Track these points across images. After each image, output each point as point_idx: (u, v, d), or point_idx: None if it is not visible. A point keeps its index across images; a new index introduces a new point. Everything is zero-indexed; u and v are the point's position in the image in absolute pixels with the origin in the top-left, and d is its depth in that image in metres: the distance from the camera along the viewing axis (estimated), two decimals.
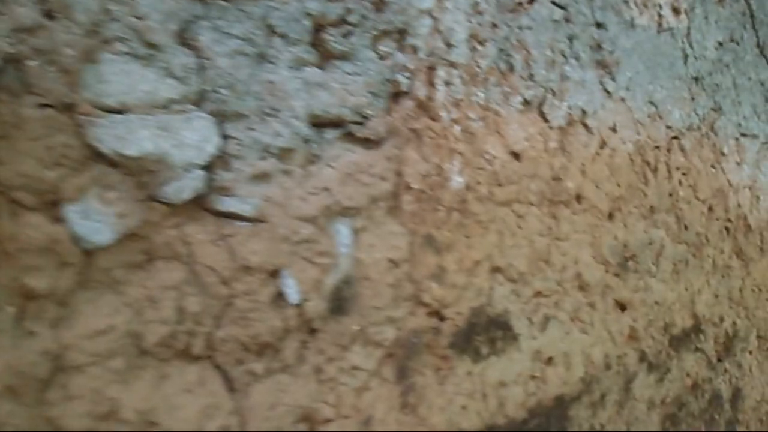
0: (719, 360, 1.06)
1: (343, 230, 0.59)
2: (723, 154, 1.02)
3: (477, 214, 0.65)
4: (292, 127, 0.54)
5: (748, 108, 1.10)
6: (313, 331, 0.55)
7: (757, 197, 1.11)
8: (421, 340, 0.59)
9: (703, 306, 0.97)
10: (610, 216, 0.80)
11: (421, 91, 0.60)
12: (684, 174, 0.94)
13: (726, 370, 1.07)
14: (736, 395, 1.10)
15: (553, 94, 0.73)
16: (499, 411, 0.66)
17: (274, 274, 0.53)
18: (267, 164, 0.52)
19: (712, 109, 1.02)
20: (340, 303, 0.59)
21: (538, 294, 0.71)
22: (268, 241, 0.53)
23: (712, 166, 1.00)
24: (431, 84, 0.62)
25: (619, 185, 0.81)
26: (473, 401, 0.64)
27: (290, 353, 0.53)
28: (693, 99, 0.97)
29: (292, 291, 0.56)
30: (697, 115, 0.98)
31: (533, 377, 0.71)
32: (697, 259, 0.96)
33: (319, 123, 0.55)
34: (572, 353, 0.74)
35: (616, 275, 0.80)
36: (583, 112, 0.75)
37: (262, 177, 0.54)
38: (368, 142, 0.59)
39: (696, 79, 0.98)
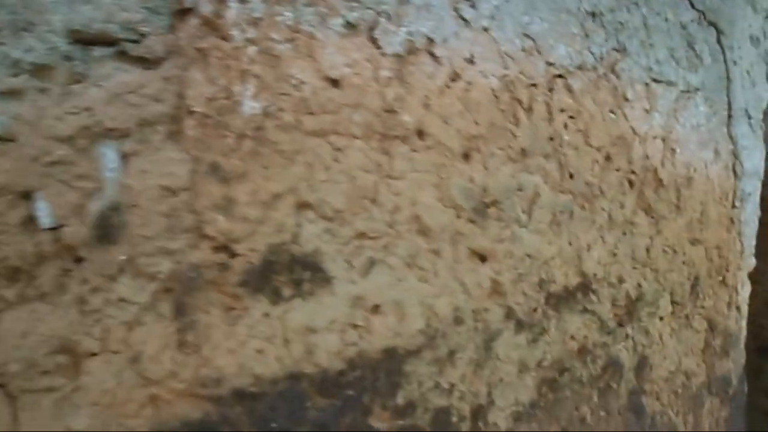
0: (620, 324, 1.08)
1: (109, 153, 0.60)
2: (626, 99, 1.03)
3: (278, 143, 0.66)
4: (48, 42, 0.55)
5: (664, 51, 1.11)
6: (78, 260, 0.56)
7: (673, 150, 1.12)
8: (200, 274, 0.60)
9: (594, 264, 0.99)
10: (466, 156, 0.82)
11: (207, 8, 0.61)
12: (572, 117, 0.96)
13: (628, 336, 1.09)
14: (642, 364, 1.13)
15: (388, 17, 0.74)
16: (307, 358, 0.68)
17: (26, 196, 0.54)
18: (18, 81, 0.53)
19: (614, 50, 1.03)
20: (106, 231, 0.60)
21: (361, 235, 0.72)
22: (16, 161, 0.54)
23: (612, 112, 1.02)
24: (221, 0, 0.62)
25: (477, 123, 0.82)
26: (272, 346, 0.66)
27: (48, 281, 0.54)
28: (587, 36, 0.98)
29: (44, 215, 0.57)
30: (593, 54, 0.99)
31: (355, 326, 0.73)
32: (587, 211, 0.97)
33: (82, 39, 0.56)
34: (407, 303, 0.76)
35: (472, 222, 0.82)
36: (429, 40, 0.76)
37: (12, 94, 0.55)
38: (145, 62, 0.60)
39: (593, 14, 0.99)
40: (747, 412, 2.23)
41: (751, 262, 1.50)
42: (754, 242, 1.51)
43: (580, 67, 0.98)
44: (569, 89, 0.96)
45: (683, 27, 1.19)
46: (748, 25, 1.38)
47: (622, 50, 1.05)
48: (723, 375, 1.40)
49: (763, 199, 2.22)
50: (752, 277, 2.33)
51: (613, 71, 1.04)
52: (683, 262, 1.21)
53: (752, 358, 2.36)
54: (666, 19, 1.15)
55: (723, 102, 1.29)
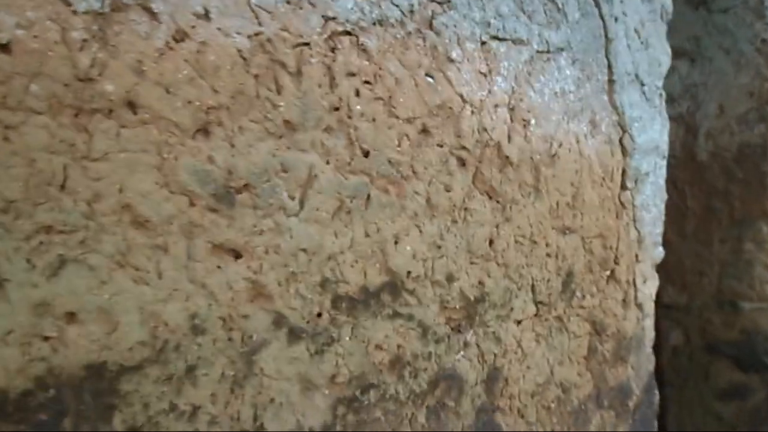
0: (456, 331, 1.09)
1: None
2: (451, 60, 1.04)
3: None
4: None
5: (508, 3, 1.12)
6: None
7: (525, 121, 1.14)
8: None
9: (407, 259, 1.01)
10: (202, 132, 0.82)
11: None
12: (367, 83, 0.96)
13: (468, 344, 1.11)
14: (494, 376, 1.16)
15: None
16: None
17: None
18: None
19: (432, 0, 1.03)
20: None
21: (47, 229, 0.72)
22: None
23: (429, 76, 1.02)
24: None
25: (216, 92, 0.83)
26: None
27: None
28: None
29: None
30: (397, 5, 1.00)
31: (44, 337, 0.73)
32: (393, 196, 0.99)
33: None
34: (118, 310, 0.76)
35: (213, 210, 0.83)
36: None
37: None
38: None
39: None
40: (697, 416, 2.28)
41: (657, 252, 1.53)
42: (659, 230, 1.54)
43: (379, 22, 0.98)
44: (363, 49, 0.97)
45: None
46: None
47: (442, 2, 1.06)
48: (619, 384, 1.43)
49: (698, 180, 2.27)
50: (697, 269, 2.39)
51: (430, 27, 1.05)
52: (547, 255, 1.23)
53: (700, 357, 2.43)
54: None
55: (600, 65, 1.32)
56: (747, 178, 2.47)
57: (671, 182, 2.64)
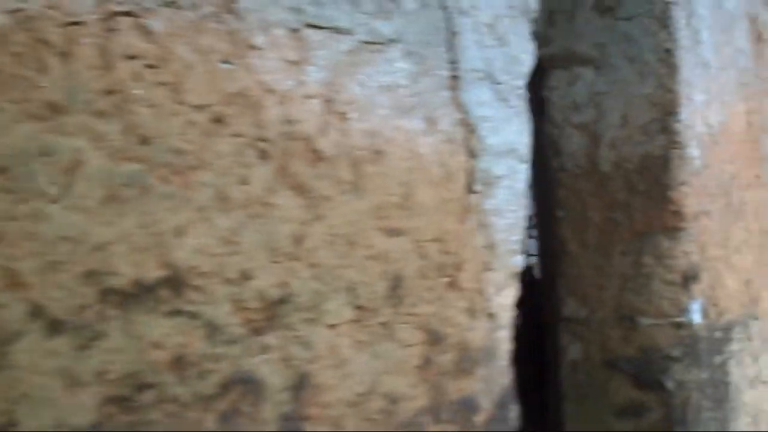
0: (255, 332, 1.19)
1: None
2: (253, 47, 1.14)
3: None
4: None
5: None
6: None
7: (343, 114, 1.24)
8: None
9: (192, 253, 1.10)
10: None
11: None
12: (151, 67, 1.05)
13: (270, 347, 1.20)
14: (302, 383, 1.25)
15: None
16: None
17: None
18: None
19: None
20: None
21: None
22: None
23: (226, 62, 1.12)
24: None
25: None
26: None
27: None
28: None
29: None
30: None
31: None
32: (176, 186, 1.07)
33: None
34: None
35: None
36: None
37: None
38: None
39: None
40: None
41: (515, 261, 1.66)
42: (517, 237, 1.66)
43: (168, 4, 1.07)
44: (146, 31, 1.06)
45: None
46: None
47: None
48: (462, 398, 1.55)
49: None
50: (597, 282, 2.56)
51: (229, 11, 1.15)
52: (369, 257, 1.34)
53: (599, 373, 2.59)
54: None
55: (442, 60, 1.45)
56: (648, 190, 2.65)
57: (574, 192, 2.82)
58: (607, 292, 2.84)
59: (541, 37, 3.03)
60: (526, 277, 3.51)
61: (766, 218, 3.54)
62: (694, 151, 2.77)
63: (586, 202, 2.87)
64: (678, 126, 2.68)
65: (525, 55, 1.76)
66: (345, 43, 1.37)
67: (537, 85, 3.09)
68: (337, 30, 1.36)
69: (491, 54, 1.66)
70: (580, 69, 2.90)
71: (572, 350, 2.88)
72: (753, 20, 3.51)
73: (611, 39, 2.82)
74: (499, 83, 1.67)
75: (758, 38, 3.54)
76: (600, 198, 2.84)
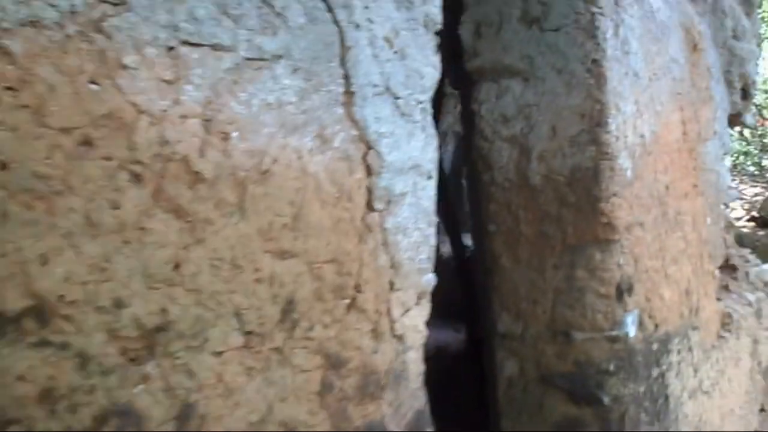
0: (133, 361, 1.19)
1: None
2: (123, 66, 1.16)
3: None
4: None
5: (207, 7, 1.25)
6: None
7: (225, 134, 1.26)
8: None
9: (59, 281, 1.12)
10: None
11: None
12: (11, 89, 1.06)
13: (150, 377, 1.21)
14: (187, 413, 1.26)
15: None
16: None
17: None
18: None
19: (103, 1, 1.14)
20: None
21: None
22: None
23: (94, 83, 1.13)
24: None
25: None
26: None
27: None
28: None
29: None
30: (54, 6, 1.09)
31: None
32: (40, 213, 1.07)
33: None
34: None
35: None
36: None
37: None
38: None
39: None
40: None
41: (425, 281, 1.69)
42: (426, 255, 1.70)
43: (30, 24, 1.08)
44: (5, 53, 1.07)
45: None
46: None
47: (118, 2, 1.17)
48: (368, 423, 1.57)
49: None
50: (531, 297, 2.61)
51: (98, 30, 1.16)
52: (257, 281, 1.36)
53: (534, 388, 2.65)
54: None
55: (334, 75, 1.49)
56: (579, 202, 2.73)
57: (505, 206, 2.88)
58: (541, 306, 2.91)
59: (468, 50, 3.11)
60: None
61: (704, 227, 3.65)
62: (624, 162, 2.85)
63: (517, 216, 2.94)
64: (607, 137, 2.76)
65: (428, 69, 1.81)
66: (226, 61, 1.40)
67: (467, 98, 3.16)
68: (217, 47, 1.39)
69: (389, 68, 1.70)
70: (508, 81, 2.98)
71: (508, 366, 2.94)
72: (688, 30, 3.64)
73: (539, 50, 2.90)
74: (398, 98, 1.72)
75: (693, 48, 3.67)
76: (531, 211, 2.91)
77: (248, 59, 1.45)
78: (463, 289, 4.58)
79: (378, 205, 1.69)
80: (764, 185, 11.15)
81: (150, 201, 1.32)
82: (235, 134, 1.42)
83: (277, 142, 1.49)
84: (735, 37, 4.18)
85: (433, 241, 1.87)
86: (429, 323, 1.88)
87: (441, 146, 4.25)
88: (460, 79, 3.20)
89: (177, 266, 1.36)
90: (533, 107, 2.91)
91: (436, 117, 4.28)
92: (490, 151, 3.00)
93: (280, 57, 1.50)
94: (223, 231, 1.42)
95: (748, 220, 9.51)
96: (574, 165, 2.82)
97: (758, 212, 9.59)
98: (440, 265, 1.96)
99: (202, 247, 1.39)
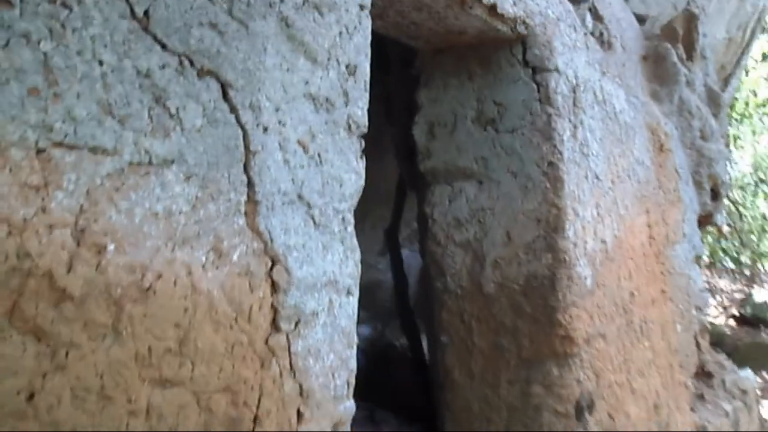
0: None
1: None
2: None
3: None
4: None
5: (89, 106, 1.18)
6: None
7: (98, 247, 1.16)
8: None
9: None
10: None
11: None
12: None
13: None
14: None
15: None
16: None
17: None
18: None
19: None
20: None
21: None
22: None
23: None
24: None
25: None
26: None
27: None
28: None
29: None
30: None
31: None
32: None
33: None
34: None
35: None
36: None
37: None
38: None
39: None
40: None
41: (342, 408, 1.54)
42: (344, 381, 1.57)
43: None
44: None
45: (146, 75, 1.24)
46: (302, 81, 1.47)
47: None
48: None
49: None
50: (484, 414, 2.44)
51: None
52: (131, 413, 1.22)
53: None
54: (101, 62, 1.19)
55: (235, 182, 1.39)
56: (535, 313, 2.60)
57: (458, 316, 2.73)
58: (495, 425, 2.72)
59: (422, 151, 3.04)
60: None
61: (674, 335, 3.50)
62: (584, 269, 2.74)
63: (470, 327, 2.80)
64: (564, 243, 2.66)
65: (350, 175, 1.70)
66: (106, 165, 1.30)
67: (421, 200, 3.06)
68: (97, 150, 1.29)
69: (303, 175, 1.60)
70: (462, 184, 2.89)
71: None
72: (654, 130, 3.60)
73: (494, 152, 2.83)
74: (313, 207, 1.60)
75: (660, 149, 3.62)
76: (485, 322, 2.78)
77: (133, 164, 1.34)
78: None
79: (285, 326, 1.55)
80: (744, 282, 11.03)
81: (3, 321, 1.17)
82: (111, 247, 1.30)
83: (162, 255, 1.36)
84: (703, 137, 4.17)
85: (352, 364, 1.72)
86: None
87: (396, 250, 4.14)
88: (415, 181, 3.11)
89: (31, 397, 1.20)
90: (487, 211, 2.81)
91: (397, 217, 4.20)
92: (442, 257, 2.88)
93: (171, 162, 1.39)
94: (91, 356, 1.27)
95: (729, 318, 9.32)
96: (529, 273, 2.70)
97: (739, 310, 9.40)
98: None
99: (63, 375, 1.24)
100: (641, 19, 4.25)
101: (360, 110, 1.76)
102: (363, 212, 1.83)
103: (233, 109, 1.48)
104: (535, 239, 2.69)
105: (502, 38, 2.77)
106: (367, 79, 1.80)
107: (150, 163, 1.36)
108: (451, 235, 2.89)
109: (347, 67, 1.73)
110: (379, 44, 3.06)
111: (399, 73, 3.31)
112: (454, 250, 2.88)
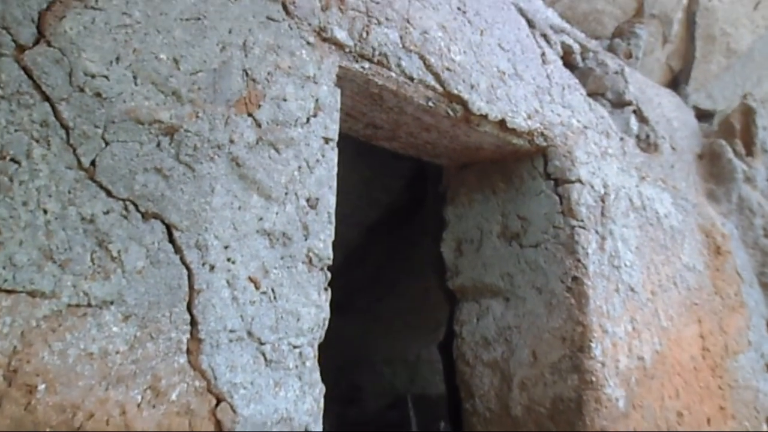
0: None
1: None
2: None
3: None
4: None
5: (31, 253, 1.36)
6: None
7: (29, 387, 1.34)
8: None
9: None
10: None
11: None
12: None
13: None
14: None
15: None
16: None
17: None
18: None
19: None
20: None
21: None
22: None
23: None
24: None
25: None
26: None
27: None
28: None
29: None
30: None
31: None
32: None
33: None
34: None
35: None
36: None
37: None
38: None
39: None
40: None
41: None
42: None
43: None
44: None
45: (89, 220, 1.39)
46: (255, 217, 1.58)
47: None
48: None
49: None
50: None
51: None
52: None
53: None
54: (45, 211, 1.34)
55: (177, 321, 1.52)
56: None
57: None
58: None
59: (450, 268, 3.08)
60: None
61: None
62: (614, 390, 2.67)
63: None
64: (591, 363, 2.62)
65: (308, 309, 1.79)
66: (43, 308, 1.45)
67: (450, 318, 3.07)
68: (35, 293, 1.42)
69: (254, 311, 1.70)
70: (489, 301, 2.92)
71: None
72: (708, 232, 3.49)
73: (519, 268, 2.85)
74: (264, 343, 1.67)
75: (716, 251, 3.49)
76: None
77: (71, 306, 1.48)
78: None
79: None
80: None
81: None
82: (42, 387, 1.41)
83: (95, 395, 1.48)
84: (767, 235, 3.95)
85: None
86: None
87: None
88: (447, 298, 3.14)
89: None
90: (514, 329, 2.82)
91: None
92: (471, 377, 2.88)
93: (110, 303, 1.52)
94: None
95: None
96: (556, 395, 2.66)
97: None
98: None
99: None
100: (708, 115, 4.18)
101: (322, 243, 1.86)
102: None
103: (178, 250, 1.60)
104: (561, 359, 2.66)
105: (521, 151, 2.84)
106: (332, 210, 1.90)
107: (88, 304, 1.49)
108: (479, 355, 2.89)
109: (308, 200, 1.84)
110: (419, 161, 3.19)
111: (432, 189, 3.41)
112: (482, 370, 2.88)
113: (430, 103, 2.50)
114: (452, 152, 2.95)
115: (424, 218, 3.95)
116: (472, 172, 3.11)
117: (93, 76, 1.62)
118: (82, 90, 1.60)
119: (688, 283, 3.26)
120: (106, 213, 1.58)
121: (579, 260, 2.75)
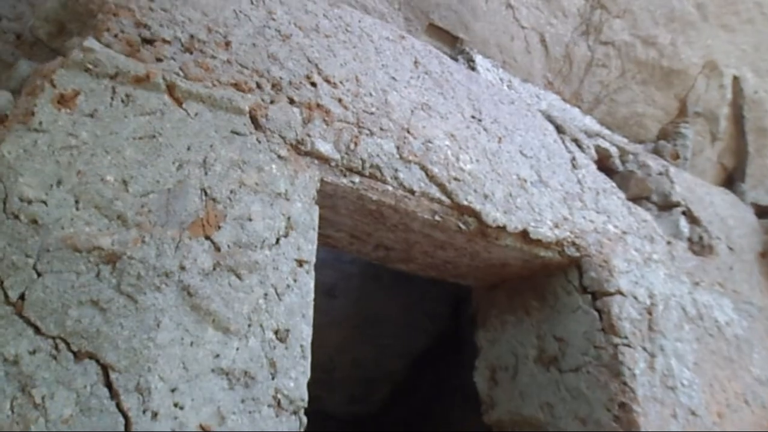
0: None
1: None
2: None
3: None
4: None
5: None
6: None
7: None
8: None
9: None
10: None
11: None
12: None
13: None
14: None
15: None
16: None
17: None
18: None
19: None
20: None
21: None
22: None
23: None
24: None
25: None
26: None
27: None
28: None
29: None
30: None
31: None
32: None
33: None
34: None
35: None
36: None
37: None
38: None
39: None
40: None
41: None
42: None
43: None
44: None
45: (13, 362, 1.32)
46: (210, 354, 1.42)
47: None
48: None
49: None
50: None
51: None
52: None
53: None
54: None
55: None
56: None
57: None
58: None
59: (485, 400, 2.80)
60: None
61: None
62: None
63: None
64: None
65: None
66: None
67: None
68: None
69: None
70: None
71: None
72: None
73: (559, 396, 2.57)
74: None
75: None
76: None
77: None
78: None
79: None
80: None
81: None
82: None
83: None
84: None
85: None
86: None
87: None
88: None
89: None
90: None
91: None
92: None
93: None
94: None
95: None
96: None
97: None
98: None
99: None
100: (766, 212, 3.88)
101: (293, 381, 1.66)
102: None
103: (114, 395, 1.44)
104: None
105: (552, 264, 2.62)
106: (306, 343, 1.70)
107: None
108: None
109: (275, 332, 1.66)
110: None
111: (465, 313, 3.18)
112: None
113: (437, 217, 2.33)
114: (476, 271, 2.74)
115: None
116: (502, 292, 2.90)
117: (29, 202, 1.54)
118: (16, 217, 1.51)
119: (762, 400, 2.88)
120: (32, 353, 1.44)
121: (625, 383, 2.46)
